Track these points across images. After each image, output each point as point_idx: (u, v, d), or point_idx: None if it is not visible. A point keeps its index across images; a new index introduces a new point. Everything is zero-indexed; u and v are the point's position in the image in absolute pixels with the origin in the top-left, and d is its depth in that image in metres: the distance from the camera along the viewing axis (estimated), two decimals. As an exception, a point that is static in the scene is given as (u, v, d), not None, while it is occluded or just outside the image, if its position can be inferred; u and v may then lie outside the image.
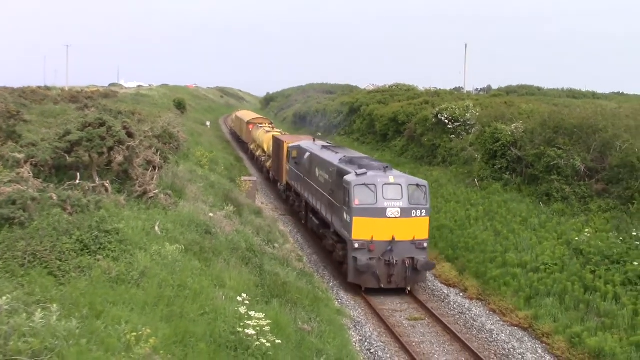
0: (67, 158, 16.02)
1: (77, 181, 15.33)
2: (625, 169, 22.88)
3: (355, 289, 20.98)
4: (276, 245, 22.17)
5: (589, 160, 24.66)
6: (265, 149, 42.45)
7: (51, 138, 16.66)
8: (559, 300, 18.12)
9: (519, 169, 28.12)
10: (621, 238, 19.76)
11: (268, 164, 41.52)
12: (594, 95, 61.87)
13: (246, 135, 56.21)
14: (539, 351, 16.54)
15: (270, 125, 51.54)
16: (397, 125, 45.54)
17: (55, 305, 8.76)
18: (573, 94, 62.30)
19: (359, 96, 65.03)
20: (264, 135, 44.21)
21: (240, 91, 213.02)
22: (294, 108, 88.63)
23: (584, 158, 24.75)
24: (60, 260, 10.80)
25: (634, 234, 19.58)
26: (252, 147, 51.95)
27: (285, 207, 34.44)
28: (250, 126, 54.31)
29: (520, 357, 16.21)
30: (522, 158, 27.84)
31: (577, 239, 20.62)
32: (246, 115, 65.02)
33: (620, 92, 70.25)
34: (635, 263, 18.02)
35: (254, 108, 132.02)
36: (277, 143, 36.43)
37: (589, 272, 18.62)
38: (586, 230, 21.15)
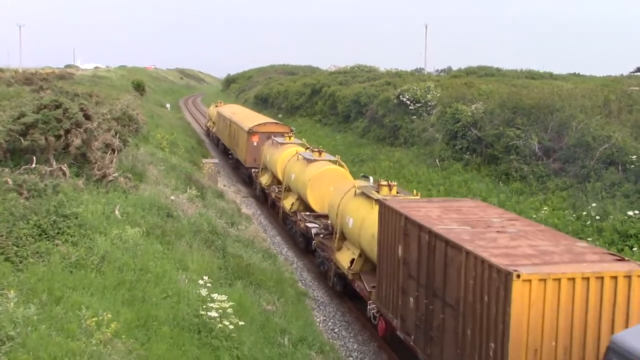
0: (22, 141, 15.58)
1: (34, 165, 14.96)
2: (581, 148, 23.44)
3: (318, 270, 21.09)
4: (239, 227, 22.09)
5: (547, 140, 25.17)
6: (331, 213, 19.15)
7: (5, 120, 16.15)
8: (518, 277, 18.52)
9: (479, 149, 28.54)
10: (577, 215, 20.30)
11: (343, 260, 17.58)
12: (551, 76, 62.95)
13: (246, 154, 32.80)
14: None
15: (306, 146, 26.21)
16: (359, 106, 45.66)
17: (12, 292, 8.58)
18: (531, 75, 63.27)
19: (320, 77, 64.93)
20: (314, 177, 21.40)
21: (201, 72, 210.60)
22: (255, 90, 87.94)
23: (541, 138, 25.26)
24: (17, 246, 10.56)
25: (589, 212, 20.12)
26: (263, 180, 28.81)
27: (248, 190, 34.29)
28: (255, 138, 32.10)
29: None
30: (482, 138, 28.25)
31: (535, 216, 21.09)
32: (242, 115, 39.56)
33: (577, 73, 71.67)
34: (590, 240, 18.54)
35: (215, 90, 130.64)
36: (437, 246, 11.09)
37: (546, 249, 19.08)
38: (544, 208, 21.65)
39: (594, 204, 20.31)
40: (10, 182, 13.09)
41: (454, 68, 77.65)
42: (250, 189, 34.21)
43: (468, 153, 28.92)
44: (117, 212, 14.29)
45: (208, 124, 54.16)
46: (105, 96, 31.46)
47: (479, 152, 28.49)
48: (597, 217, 19.62)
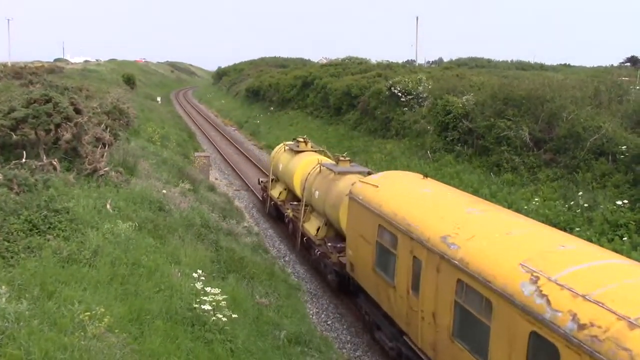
0: (13, 136, 15.51)
1: (24, 160, 14.88)
2: (572, 139, 23.52)
3: (311, 263, 21.12)
4: (232, 220, 22.08)
5: (537, 131, 25.24)
6: None
7: (-6, 115, 16.06)
8: (509, 267, 18.61)
9: (470, 140, 28.58)
10: (567, 206, 20.39)
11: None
12: (542, 67, 63.26)
13: None
14: (491, 317, 16.99)
15: None
16: (350, 98, 45.60)
17: (4, 287, 8.56)
18: (522, 66, 63.63)
19: (312, 70, 64.74)
20: None
21: (192, 65, 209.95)
22: (247, 82, 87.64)
23: (532, 129, 25.32)
24: (8, 241, 10.52)
25: (579, 203, 20.22)
26: None
27: (240, 183, 34.27)
28: None
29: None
30: (473, 130, 28.30)
31: (526, 207, 21.18)
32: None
33: (567, 63, 72.03)
34: (581, 230, 18.65)
35: (207, 83, 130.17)
36: None
37: (538, 239, 19.18)
38: (535, 199, 21.72)
39: (584, 197, 20.39)
40: (0, 177, 13.02)
41: (445, 60, 78.08)
42: (242, 182, 34.12)
43: (459, 144, 28.96)
44: (108, 206, 14.24)
45: (274, 194, 25.66)
46: (95, 90, 31.33)
47: (470, 144, 28.53)
48: (587, 207, 19.71)
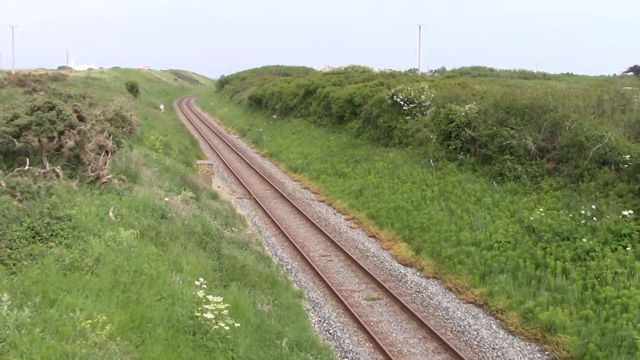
0: (16, 143, 15.54)
1: (27, 167, 14.90)
2: (574, 148, 23.48)
3: (314, 270, 21.07)
4: (234, 228, 22.07)
5: (540, 140, 25.22)
6: None
7: (-2, 123, 16.09)
8: (512, 276, 18.60)
9: (473, 149, 28.56)
10: (571, 215, 20.33)
11: None
12: (544, 76, 63.36)
13: None
14: (494, 327, 16.98)
15: None
16: (353, 107, 45.63)
17: (5, 295, 8.52)
18: (525, 75, 63.74)
19: (314, 78, 64.81)
20: None
21: (195, 74, 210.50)
22: (250, 91, 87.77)
23: (535, 138, 25.30)
24: (11, 249, 10.49)
25: (583, 212, 20.16)
26: None
27: (243, 191, 34.28)
28: None
29: (475, 333, 16.60)
30: (476, 138, 28.28)
31: (530, 217, 21.13)
32: None
33: (570, 73, 72.16)
34: (584, 239, 18.59)
35: (209, 91, 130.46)
36: None
37: (540, 249, 19.14)
38: (538, 208, 21.67)
39: (587, 207, 20.33)
40: (3, 184, 13.03)
41: (448, 68, 78.27)
42: (244, 190, 34.12)
43: (462, 153, 28.94)
44: (111, 213, 14.23)
45: None
46: (98, 97, 31.40)
47: (473, 152, 28.50)
48: (593, 218, 19.63)
